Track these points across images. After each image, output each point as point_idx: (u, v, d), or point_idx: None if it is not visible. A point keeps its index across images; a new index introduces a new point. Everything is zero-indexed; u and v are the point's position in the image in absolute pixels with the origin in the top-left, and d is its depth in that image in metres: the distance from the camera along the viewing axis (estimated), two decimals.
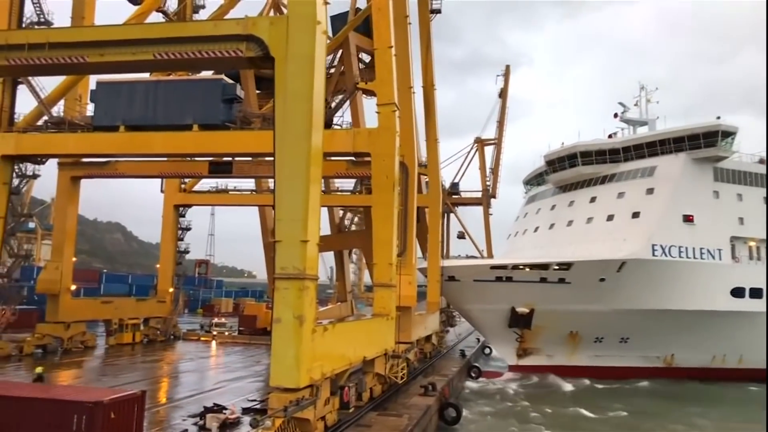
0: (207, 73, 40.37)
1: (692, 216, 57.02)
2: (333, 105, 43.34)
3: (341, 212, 72.65)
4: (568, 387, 50.31)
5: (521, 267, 54.59)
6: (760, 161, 64.27)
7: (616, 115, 69.50)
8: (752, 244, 60.28)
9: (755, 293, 57.41)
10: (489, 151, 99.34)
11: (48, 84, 40.59)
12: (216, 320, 73.22)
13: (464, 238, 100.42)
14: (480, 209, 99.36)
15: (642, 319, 53.47)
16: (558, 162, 65.52)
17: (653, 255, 54.05)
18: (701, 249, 56.53)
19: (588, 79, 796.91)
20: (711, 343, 56.53)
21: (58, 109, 40.84)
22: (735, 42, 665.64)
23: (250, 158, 44.70)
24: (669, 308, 53.72)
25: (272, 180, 61.43)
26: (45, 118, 39.62)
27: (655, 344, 55.92)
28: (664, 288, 53.97)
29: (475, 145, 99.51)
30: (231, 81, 39.80)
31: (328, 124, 37.74)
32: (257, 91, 52.67)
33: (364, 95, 39.92)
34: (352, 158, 38.84)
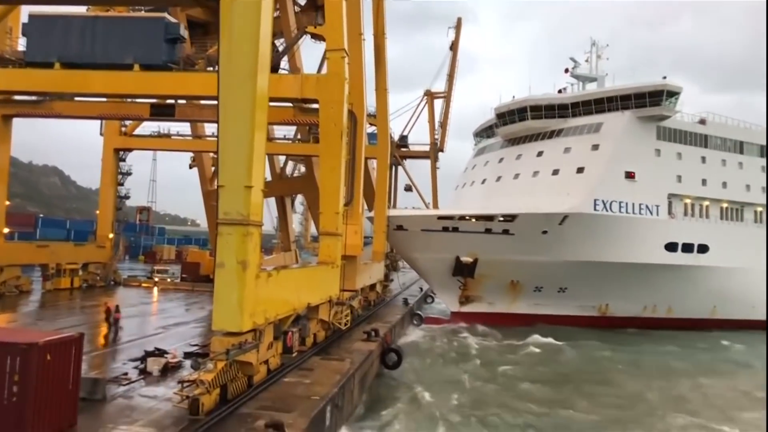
0: None
1: (634, 173, 58.68)
2: (280, 49, 42.25)
3: (282, 161, 71.80)
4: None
5: (467, 218, 55.43)
6: (700, 121, 66.34)
7: (567, 70, 70.30)
8: (688, 201, 62.68)
9: (687, 248, 60.06)
10: (438, 105, 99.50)
11: None
12: (158, 267, 72.21)
13: (411, 190, 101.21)
14: (427, 163, 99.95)
15: (580, 270, 55.33)
16: (508, 115, 66.07)
17: (594, 210, 55.63)
18: (640, 205, 58.45)
19: (533, 37, 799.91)
20: (643, 294, 59.20)
21: None
22: (673, 7, 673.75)
23: (193, 101, 43.33)
24: (606, 260, 55.70)
25: (208, 125, 59.93)
26: None
27: (591, 294, 58.14)
28: (603, 241, 55.81)
29: (425, 97, 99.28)
30: (174, 20, 38.24)
31: (274, 68, 36.85)
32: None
33: (313, 39, 39.05)
34: (300, 105, 38.14)
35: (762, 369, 40.75)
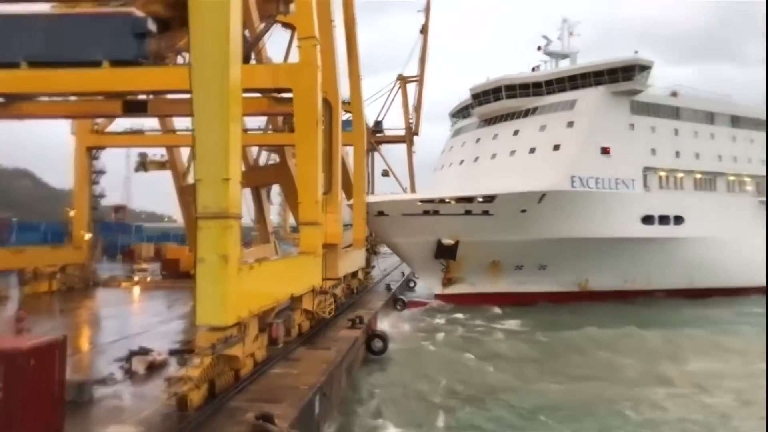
0: None
1: (609, 148, 59.31)
2: (250, 40, 41.70)
3: (255, 151, 71.29)
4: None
5: (447, 201, 55.65)
6: (672, 94, 67.15)
7: (539, 48, 70.62)
8: (662, 173, 63.52)
9: (663, 220, 61.02)
10: (411, 89, 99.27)
11: None
12: (137, 265, 71.44)
13: (388, 175, 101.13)
14: (403, 147, 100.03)
15: (560, 247, 55.92)
16: (483, 95, 66.35)
17: (572, 186, 56.18)
18: (616, 180, 59.19)
19: (502, 17, 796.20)
20: (622, 268, 60.04)
21: None
22: None
23: (166, 95, 42.71)
24: (585, 236, 56.34)
25: (179, 120, 58.45)
26: None
27: (571, 270, 58.83)
28: (582, 217, 56.44)
29: (398, 82, 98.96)
30: (142, 14, 37.56)
31: (246, 59, 36.39)
32: None
33: (283, 28, 38.66)
34: (273, 95, 37.79)
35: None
